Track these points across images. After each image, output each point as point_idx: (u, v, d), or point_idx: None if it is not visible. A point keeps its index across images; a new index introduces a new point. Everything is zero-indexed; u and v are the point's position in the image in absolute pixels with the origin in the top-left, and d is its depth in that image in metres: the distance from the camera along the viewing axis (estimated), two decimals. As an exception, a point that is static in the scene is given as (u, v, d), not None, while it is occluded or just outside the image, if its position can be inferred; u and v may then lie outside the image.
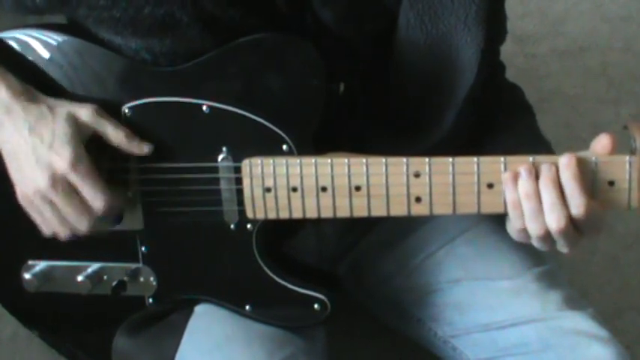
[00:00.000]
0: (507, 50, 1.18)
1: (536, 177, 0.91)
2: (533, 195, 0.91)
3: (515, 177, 0.92)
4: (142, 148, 1.00)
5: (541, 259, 1.12)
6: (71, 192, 0.97)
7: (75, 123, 0.97)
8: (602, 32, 2.01)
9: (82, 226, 0.99)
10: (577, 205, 0.90)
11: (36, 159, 0.96)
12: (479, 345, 1.11)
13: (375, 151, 0.98)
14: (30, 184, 0.97)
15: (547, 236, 0.92)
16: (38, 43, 1.04)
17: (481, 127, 1.09)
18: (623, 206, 0.92)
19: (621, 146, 0.91)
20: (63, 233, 1.01)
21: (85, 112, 0.98)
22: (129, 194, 1.04)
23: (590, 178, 0.91)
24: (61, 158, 0.95)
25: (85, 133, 0.98)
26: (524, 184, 0.91)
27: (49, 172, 0.95)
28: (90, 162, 0.97)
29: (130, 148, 1.00)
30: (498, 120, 1.11)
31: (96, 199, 0.97)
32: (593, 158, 0.91)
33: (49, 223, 1.00)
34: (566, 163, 0.90)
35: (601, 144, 0.92)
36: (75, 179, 0.96)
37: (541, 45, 1.99)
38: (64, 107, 0.98)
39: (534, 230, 0.92)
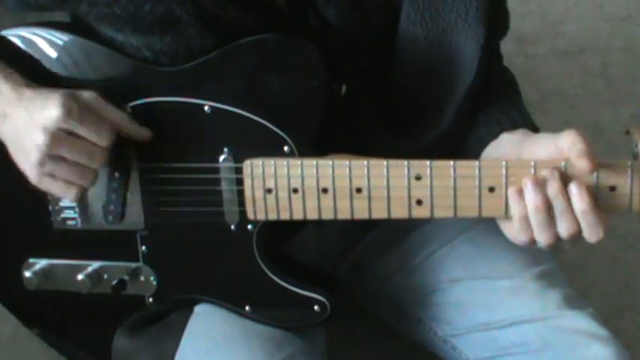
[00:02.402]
0: (507, 50, 1.18)
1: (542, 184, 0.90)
2: (543, 207, 0.90)
3: (521, 191, 0.91)
4: (143, 132, 1.00)
5: (541, 259, 1.12)
6: (73, 139, 0.96)
7: (73, 99, 0.96)
8: (602, 32, 2.00)
9: (97, 164, 0.98)
10: (597, 232, 0.90)
11: (32, 122, 0.95)
12: (479, 344, 1.11)
13: (375, 147, 0.98)
14: (33, 152, 0.96)
15: (556, 243, 0.92)
16: (41, 41, 1.04)
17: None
18: (624, 211, 0.92)
19: (622, 151, 0.91)
20: (85, 184, 0.99)
21: (86, 93, 0.98)
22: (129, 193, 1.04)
23: (591, 184, 0.90)
24: (52, 110, 0.94)
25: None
26: (532, 196, 0.90)
27: (45, 127, 0.94)
28: (80, 108, 0.96)
29: (131, 130, 1.00)
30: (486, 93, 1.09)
31: (99, 136, 0.96)
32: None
33: (67, 179, 0.98)
34: (577, 193, 0.89)
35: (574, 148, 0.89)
36: (71, 125, 0.95)
37: (541, 45, 1.99)
38: (64, 90, 0.97)
39: (545, 239, 0.91)
